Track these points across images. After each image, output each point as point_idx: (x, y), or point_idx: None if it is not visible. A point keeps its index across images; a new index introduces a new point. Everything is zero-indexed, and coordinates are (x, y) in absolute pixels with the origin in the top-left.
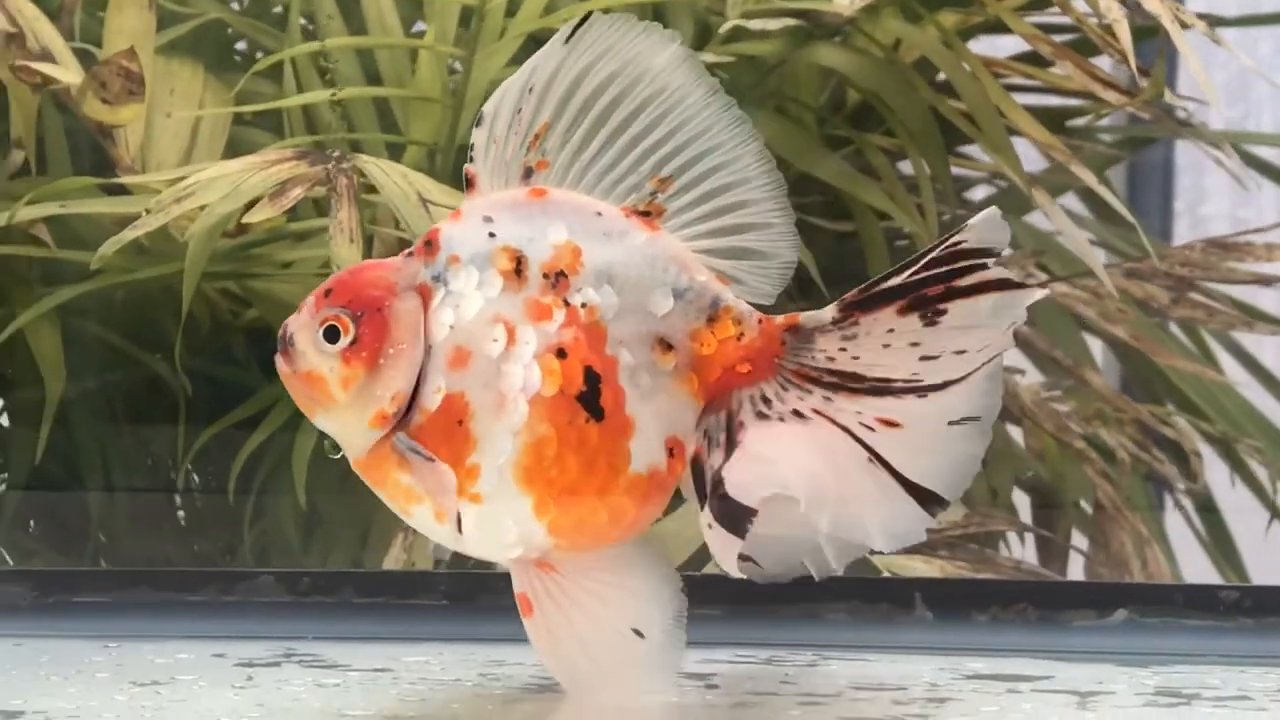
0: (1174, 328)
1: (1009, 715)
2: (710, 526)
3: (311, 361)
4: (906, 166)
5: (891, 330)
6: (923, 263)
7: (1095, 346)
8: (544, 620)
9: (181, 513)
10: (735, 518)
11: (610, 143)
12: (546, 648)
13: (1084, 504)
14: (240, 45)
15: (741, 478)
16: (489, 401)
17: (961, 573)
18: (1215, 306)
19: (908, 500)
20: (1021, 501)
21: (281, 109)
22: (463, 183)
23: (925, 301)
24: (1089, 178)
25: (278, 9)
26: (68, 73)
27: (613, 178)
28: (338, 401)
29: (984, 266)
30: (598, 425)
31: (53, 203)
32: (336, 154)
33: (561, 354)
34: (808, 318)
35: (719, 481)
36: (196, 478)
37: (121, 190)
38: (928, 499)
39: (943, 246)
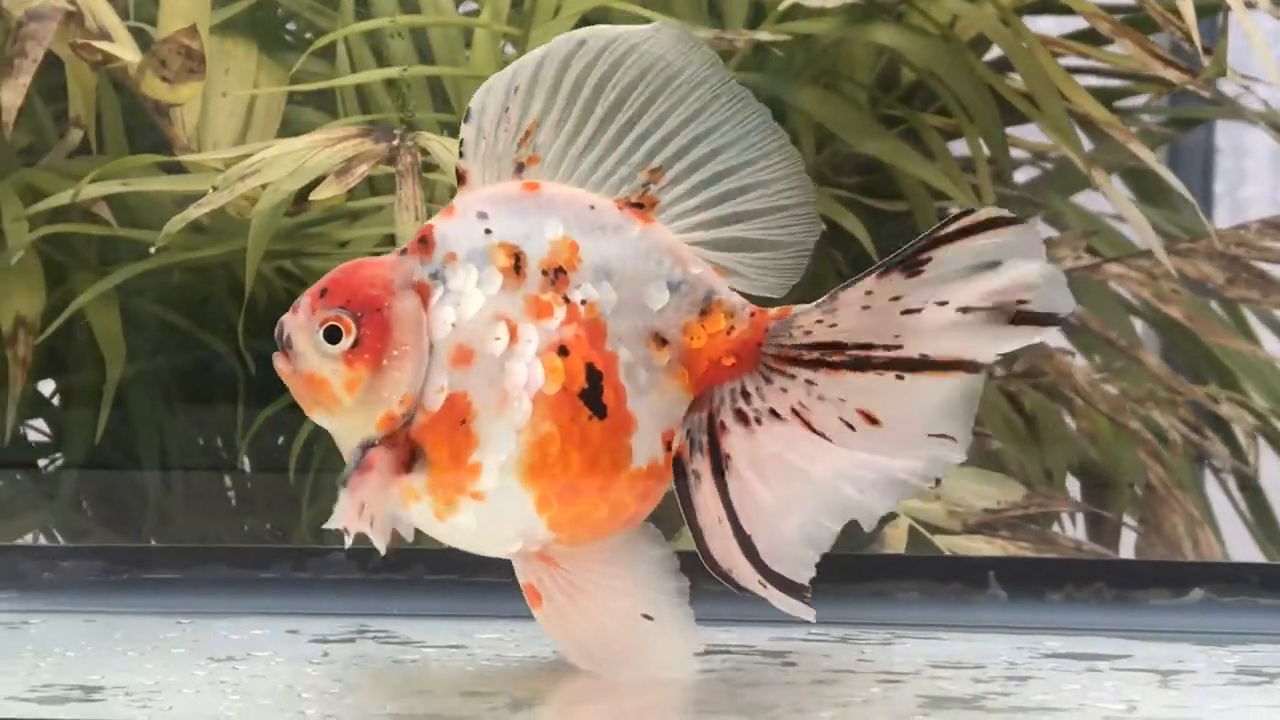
0: (1217, 308)
1: (1091, 693)
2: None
3: (312, 363)
4: (958, 148)
5: (870, 292)
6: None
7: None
8: (555, 611)
9: (232, 493)
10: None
11: (600, 132)
12: (562, 637)
13: (1135, 486)
14: (290, 25)
15: (743, 499)
16: (492, 400)
17: (1025, 553)
18: (1270, 286)
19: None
20: (1071, 484)
21: (334, 88)
22: None
23: (905, 259)
24: (1148, 157)
25: None
26: (126, 51)
27: (604, 169)
28: (342, 404)
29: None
30: (600, 422)
31: (115, 181)
32: (399, 131)
33: (564, 351)
34: (798, 309)
35: (730, 508)
36: (248, 459)
37: (179, 169)
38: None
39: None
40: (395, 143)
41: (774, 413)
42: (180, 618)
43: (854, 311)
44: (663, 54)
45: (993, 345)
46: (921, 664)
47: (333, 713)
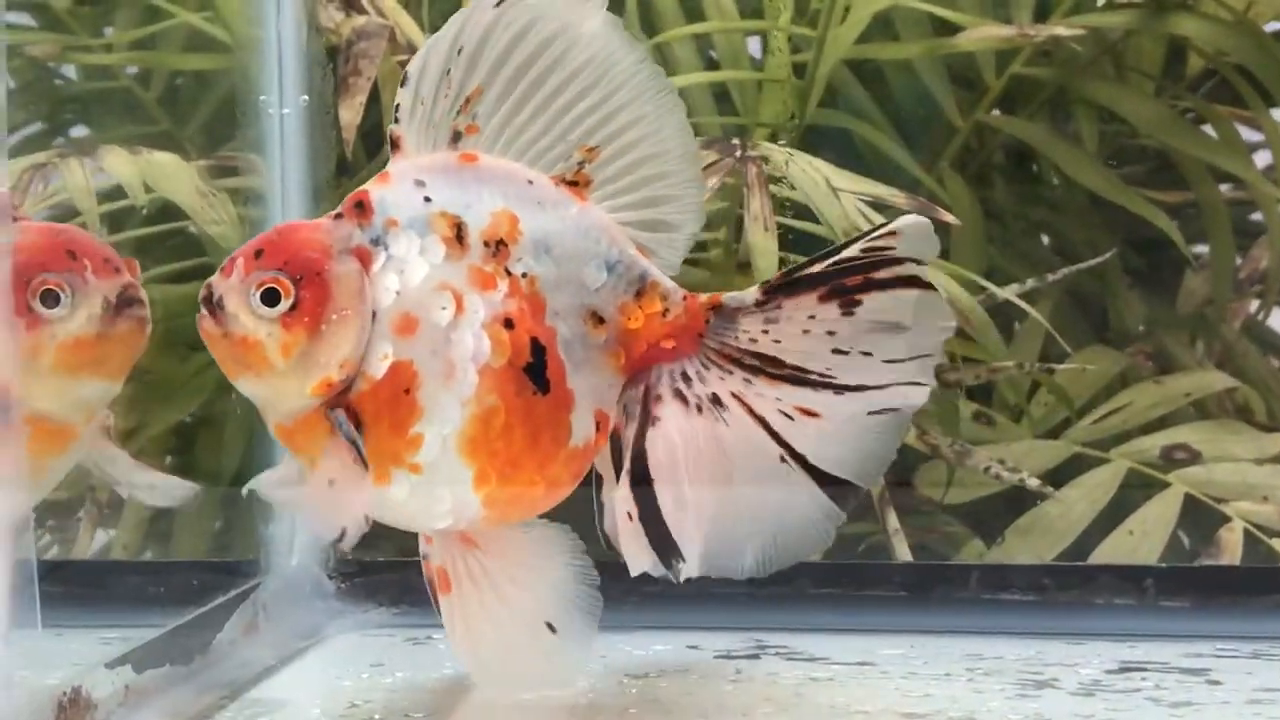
0: None
1: None
2: (631, 517)
3: (245, 325)
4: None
5: (812, 317)
6: (842, 254)
7: None
8: (461, 600)
9: None
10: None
11: (542, 110)
12: (459, 629)
13: None
14: None
15: (658, 458)
16: (438, 370)
17: None
18: None
19: (818, 502)
20: None
21: None
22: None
23: (844, 290)
24: None
25: None
26: None
27: (542, 145)
28: (275, 368)
29: (900, 263)
30: (543, 398)
31: None
32: (740, 142)
33: (509, 324)
34: (730, 298)
35: (639, 456)
36: None
37: None
38: (841, 489)
39: (864, 241)
40: (739, 154)
41: (715, 398)
42: None
43: (795, 332)
44: (607, 42)
45: (924, 392)
46: None
47: None
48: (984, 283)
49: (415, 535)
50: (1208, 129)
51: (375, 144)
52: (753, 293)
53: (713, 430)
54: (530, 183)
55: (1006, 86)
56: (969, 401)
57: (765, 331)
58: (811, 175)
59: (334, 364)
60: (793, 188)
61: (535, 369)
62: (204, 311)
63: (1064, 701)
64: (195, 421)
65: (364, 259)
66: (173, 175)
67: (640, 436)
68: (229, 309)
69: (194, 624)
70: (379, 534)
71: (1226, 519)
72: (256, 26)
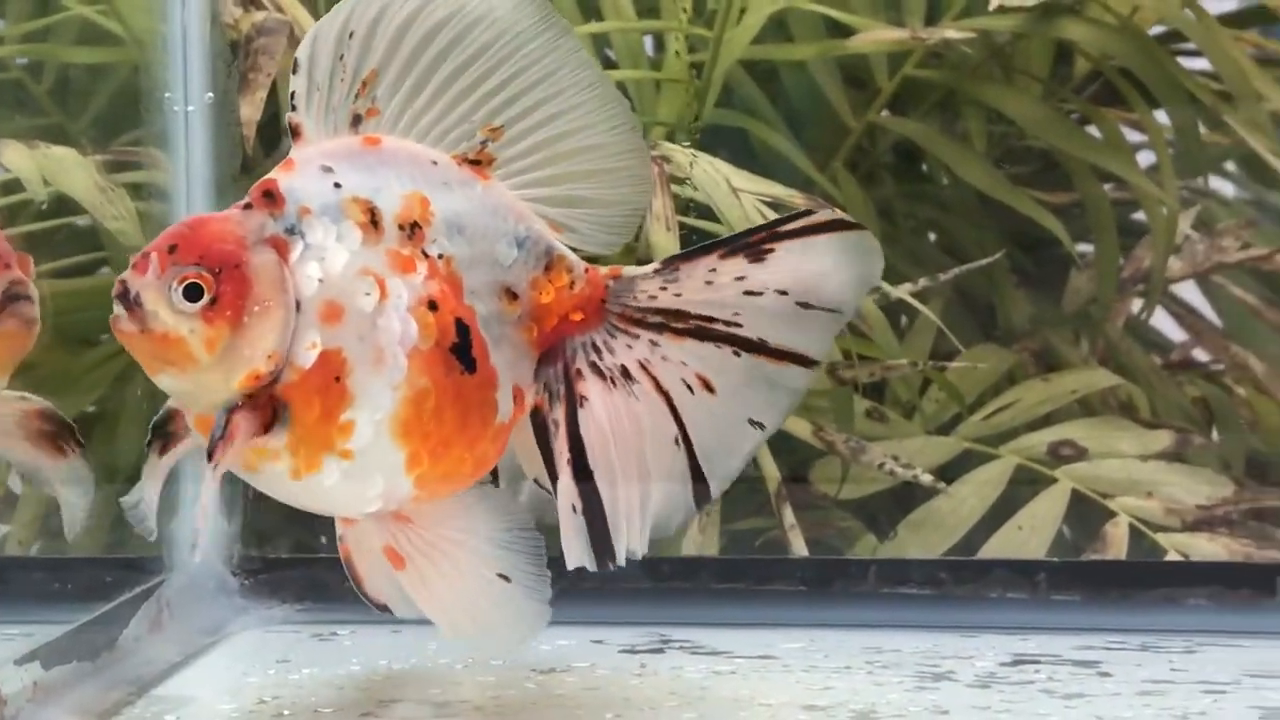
0: None
1: None
2: (576, 510)
3: (166, 322)
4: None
5: (714, 270)
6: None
7: None
8: (417, 573)
9: None
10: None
11: (443, 90)
12: (425, 598)
13: None
14: None
15: (592, 436)
16: (367, 356)
17: (1248, 551)
18: None
19: (686, 486)
20: None
21: None
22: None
23: (748, 245)
24: None
25: None
26: None
27: (444, 126)
28: (200, 363)
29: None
30: (471, 377)
31: None
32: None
33: (433, 306)
34: (629, 269)
35: (577, 445)
36: None
37: None
38: (702, 487)
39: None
40: None
41: (625, 371)
42: None
43: (697, 284)
44: (517, 19)
45: (826, 344)
46: (1236, 673)
47: None
48: (878, 281)
49: (314, 531)
50: (1093, 130)
51: (272, 139)
52: (651, 264)
53: (629, 407)
54: (435, 163)
55: (898, 88)
56: (862, 398)
57: (664, 289)
58: (713, 176)
59: (259, 356)
60: (695, 189)
61: (461, 349)
62: (119, 309)
63: (961, 693)
64: (90, 417)
65: (280, 248)
66: (71, 170)
67: (573, 421)
68: (147, 306)
69: (100, 620)
70: (276, 530)
71: (1112, 514)
72: (158, 20)
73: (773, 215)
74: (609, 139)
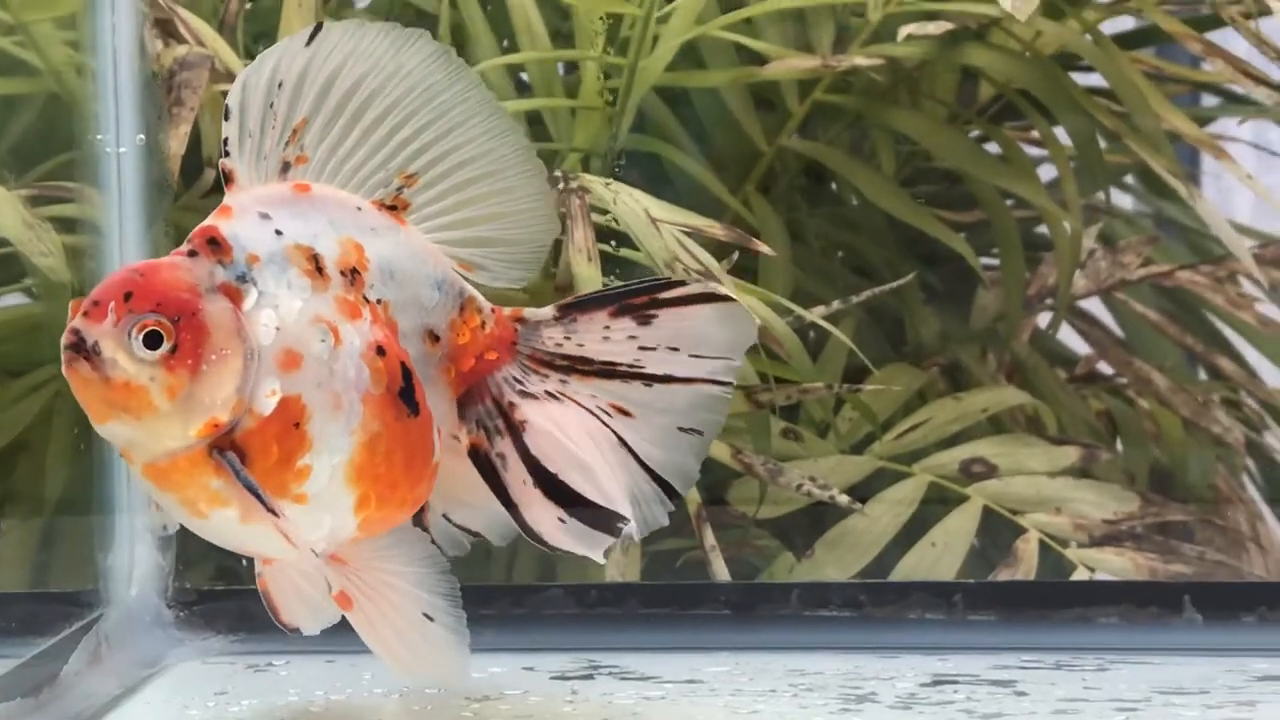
0: None
1: None
2: (564, 521)
3: (127, 369)
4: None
5: (608, 327)
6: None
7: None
8: (363, 614)
9: None
10: (560, 490)
11: (365, 139)
12: (372, 638)
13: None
14: None
15: (545, 448)
16: (325, 402)
17: (1154, 565)
18: None
19: (652, 484)
20: None
21: None
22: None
23: (633, 308)
24: (1240, 175)
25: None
26: None
27: (364, 173)
28: (158, 410)
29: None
30: (415, 419)
31: None
32: (563, 174)
33: (381, 351)
34: (530, 312)
35: (535, 466)
36: None
37: None
38: (665, 490)
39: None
40: (562, 186)
41: (549, 394)
42: None
43: (596, 338)
44: (428, 73)
45: (733, 369)
46: (1147, 690)
47: None
48: (792, 305)
49: (235, 559)
50: (994, 147)
51: (191, 170)
52: (549, 309)
53: (565, 410)
54: (359, 209)
55: (808, 112)
56: (778, 419)
57: (568, 338)
58: (633, 207)
59: (218, 403)
60: (616, 221)
61: (407, 392)
62: (74, 357)
63: (884, 714)
64: (13, 448)
65: (233, 296)
66: None
67: (523, 449)
68: (106, 354)
69: (41, 656)
70: (207, 560)
71: (1022, 530)
72: (86, 54)
73: (691, 245)
74: (516, 183)
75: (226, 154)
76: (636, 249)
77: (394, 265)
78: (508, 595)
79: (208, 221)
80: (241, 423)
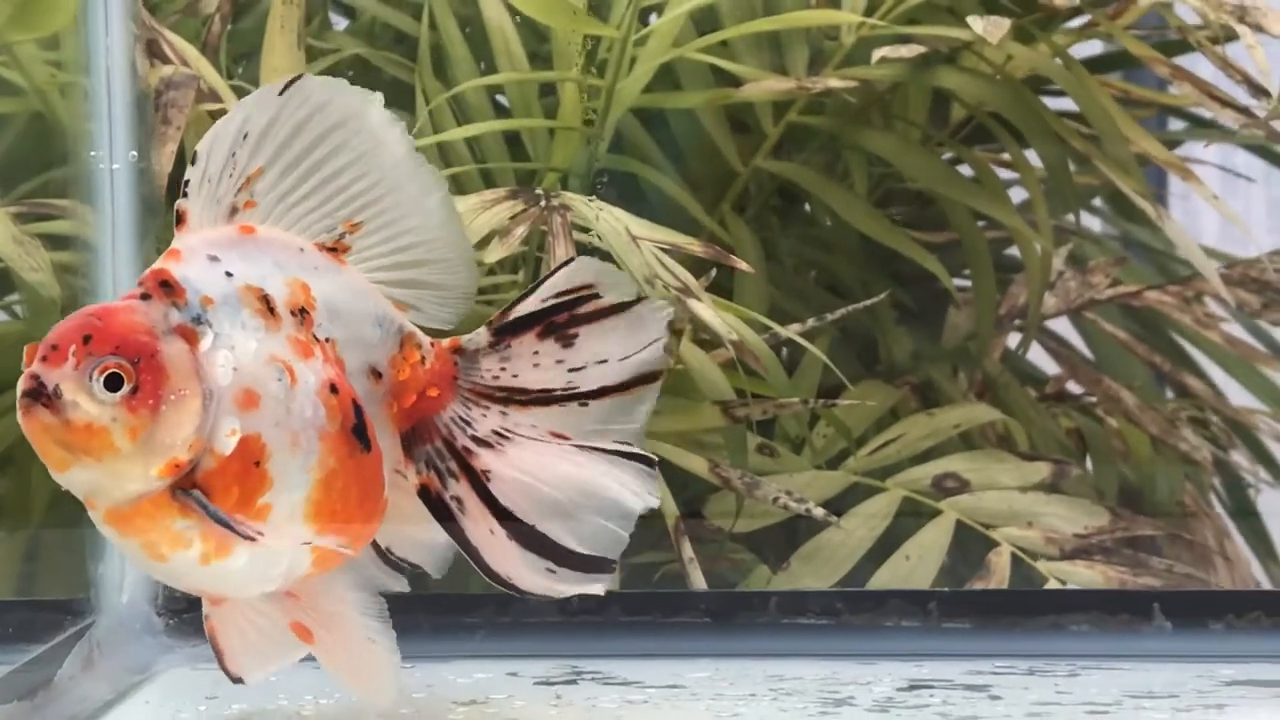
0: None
1: None
2: (553, 571)
3: (89, 412)
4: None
5: (537, 352)
6: (540, 292)
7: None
8: (323, 645)
9: None
10: (540, 541)
11: (317, 189)
12: (333, 667)
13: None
14: None
15: (515, 498)
16: (284, 441)
17: (1124, 578)
18: None
19: (627, 460)
20: None
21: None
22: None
23: (556, 327)
24: (1207, 195)
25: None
26: None
27: (311, 219)
28: (120, 452)
29: (597, 296)
30: (367, 456)
31: None
32: (544, 192)
33: (334, 389)
34: (467, 340)
35: (505, 512)
36: None
37: None
38: (642, 460)
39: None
40: (544, 203)
41: (497, 433)
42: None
43: (527, 365)
44: (383, 133)
45: (663, 361)
46: (1118, 694)
47: None
48: (768, 322)
49: None
50: (966, 169)
51: (178, 188)
52: (483, 333)
53: (522, 450)
54: (302, 250)
55: (783, 133)
56: (754, 434)
57: (504, 368)
58: (614, 225)
59: (179, 444)
60: (599, 238)
61: (359, 429)
62: (31, 404)
63: (862, 717)
64: (1, 462)
65: (189, 338)
66: None
67: (489, 499)
68: (67, 397)
69: (35, 661)
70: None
71: (995, 544)
72: (77, 73)
73: (670, 262)
74: (440, 235)
75: (185, 195)
76: (618, 266)
77: (338, 304)
78: (491, 603)
79: (158, 265)
80: (202, 463)
